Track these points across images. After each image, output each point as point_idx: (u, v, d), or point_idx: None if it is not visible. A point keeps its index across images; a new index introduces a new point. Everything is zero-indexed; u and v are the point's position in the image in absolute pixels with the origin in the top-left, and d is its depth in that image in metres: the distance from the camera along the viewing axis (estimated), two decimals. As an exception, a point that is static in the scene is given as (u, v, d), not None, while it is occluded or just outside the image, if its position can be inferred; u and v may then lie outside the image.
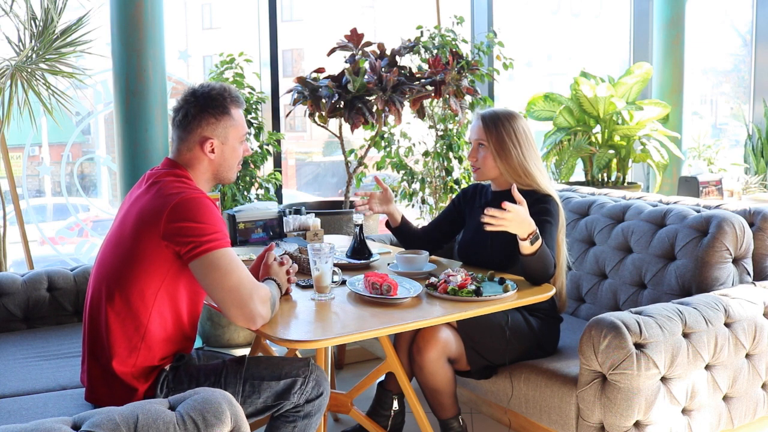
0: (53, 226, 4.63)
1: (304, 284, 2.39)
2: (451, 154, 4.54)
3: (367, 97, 3.63)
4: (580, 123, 5.13)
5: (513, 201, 2.47)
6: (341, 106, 3.64)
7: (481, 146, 2.64)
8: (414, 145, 4.58)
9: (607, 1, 6.80)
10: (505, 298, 2.23)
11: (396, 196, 4.55)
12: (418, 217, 4.64)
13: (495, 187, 2.72)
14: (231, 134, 2.09)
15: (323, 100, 3.62)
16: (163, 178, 2.01)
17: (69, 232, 4.59)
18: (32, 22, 3.44)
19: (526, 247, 2.33)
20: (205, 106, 2.05)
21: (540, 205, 2.52)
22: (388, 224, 2.89)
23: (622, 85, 5.21)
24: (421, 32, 4.50)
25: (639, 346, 2.20)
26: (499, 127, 2.60)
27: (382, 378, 2.70)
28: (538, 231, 2.33)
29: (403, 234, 2.88)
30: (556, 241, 2.54)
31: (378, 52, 3.78)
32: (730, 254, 2.72)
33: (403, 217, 2.87)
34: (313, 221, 3.22)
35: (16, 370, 2.36)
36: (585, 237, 3.16)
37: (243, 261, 1.99)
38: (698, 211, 2.88)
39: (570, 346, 2.67)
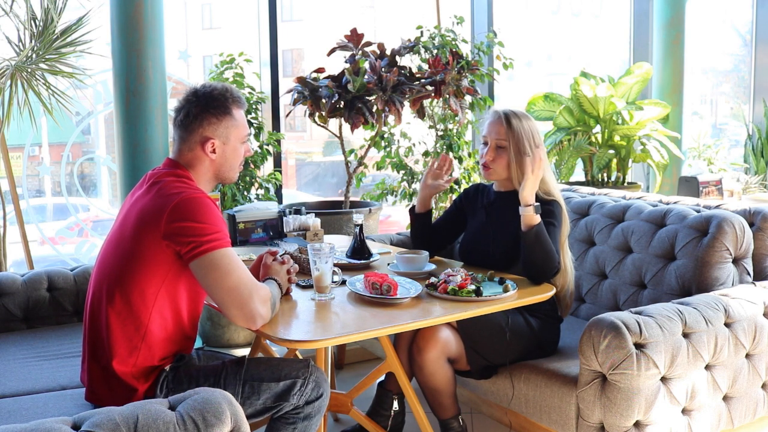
0: (53, 226, 4.63)
1: (304, 284, 2.39)
2: (451, 154, 4.54)
3: (367, 97, 3.63)
4: (580, 123, 5.13)
5: (516, 202, 2.48)
6: (341, 106, 3.64)
7: (499, 148, 2.59)
8: (414, 145, 4.58)
9: (607, 1, 6.80)
10: (505, 298, 2.23)
11: (396, 196, 4.56)
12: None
13: (498, 188, 2.71)
14: (232, 134, 2.09)
15: (323, 100, 3.62)
16: (164, 178, 2.01)
17: (69, 232, 4.59)
18: (32, 22, 3.44)
19: (527, 217, 2.40)
20: (206, 106, 2.05)
21: (545, 207, 2.52)
22: (412, 209, 2.84)
23: (622, 85, 5.21)
24: (421, 32, 4.50)
25: (639, 346, 2.20)
26: (520, 130, 2.57)
27: (382, 378, 2.70)
28: (539, 206, 2.43)
29: (420, 223, 2.81)
30: (560, 242, 2.53)
31: (378, 52, 3.78)
32: (730, 254, 2.72)
33: (431, 209, 2.84)
34: (313, 221, 3.21)
35: (16, 370, 2.36)
36: (585, 237, 3.16)
37: (243, 261, 1.99)
38: (698, 211, 2.88)
39: (570, 346, 2.67)
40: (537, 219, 2.41)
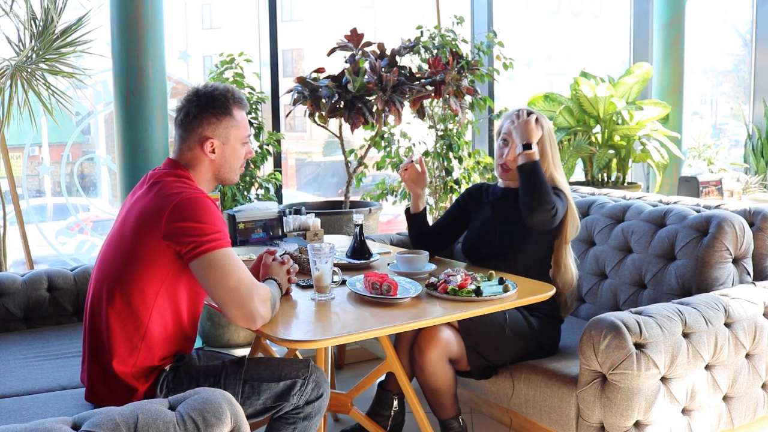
0: (53, 226, 4.63)
1: (304, 284, 2.39)
2: (451, 154, 4.54)
3: (367, 97, 3.63)
4: (580, 123, 5.13)
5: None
6: (341, 106, 3.64)
7: None
8: (414, 145, 4.58)
9: (607, 1, 6.80)
10: (505, 297, 2.23)
11: (396, 196, 4.55)
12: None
13: (506, 185, 2.71)
14: (232, 135, 2.08)
15: (323, 100, 3.62)
16: (164, 178, 2.01)
17: (69, 232, 4.59)
18: (32, 22, 3.44)
19: (524, 155, 2.52)
20: (206, 105, 2.05)
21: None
22: (407, 210, 2.85)
23: (622, 85, 5.21)
24: (421, 32, 4.50)
25: (639, 346, 2.20)
26: (542, 130, 2.60)
27: (382, 378, 2.70)
28: (534, 147, 2.51)
29: (416, 224, 2.83)
30: (564, 238, 2.58)
31: (378, 52, 3.78)
32: (730, 254, 2.72)
33: (424, 209, 2.84)
34: (313, 221, 3.21)
35: (16, 370, 2.36)
36: (585, 237, 3.16)
37: (243, 261, 1.99)
38: (698, 211, 2.88)
39: (570, 346, 2.67)
40: (535, 157, 2.49)
